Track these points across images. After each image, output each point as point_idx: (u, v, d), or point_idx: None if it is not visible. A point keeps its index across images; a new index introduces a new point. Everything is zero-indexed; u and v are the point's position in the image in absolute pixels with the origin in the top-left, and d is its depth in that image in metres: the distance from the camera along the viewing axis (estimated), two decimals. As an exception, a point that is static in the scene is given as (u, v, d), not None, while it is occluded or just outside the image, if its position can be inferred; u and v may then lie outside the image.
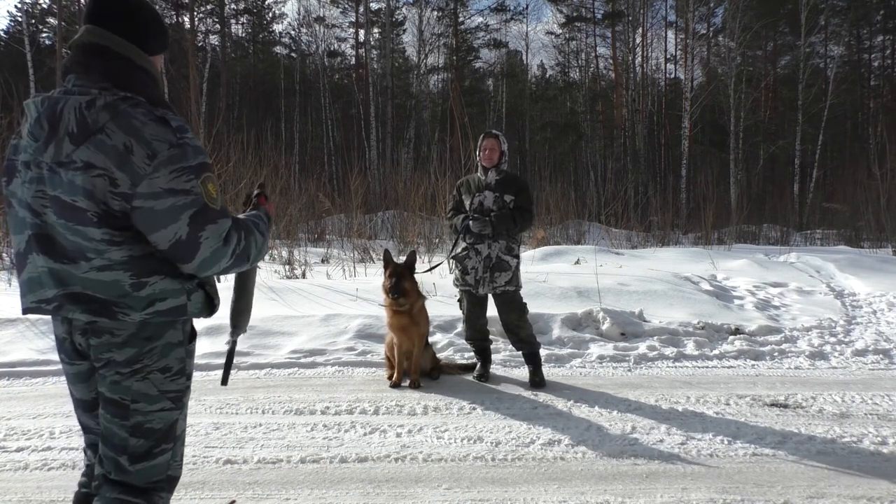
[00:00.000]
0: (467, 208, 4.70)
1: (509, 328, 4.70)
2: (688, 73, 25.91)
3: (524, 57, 33.74)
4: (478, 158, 4.72)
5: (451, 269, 4.84)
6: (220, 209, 1.68)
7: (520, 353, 4.83)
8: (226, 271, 1.76)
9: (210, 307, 1.81)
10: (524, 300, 4.81)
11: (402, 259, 4.68)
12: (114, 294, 1.62)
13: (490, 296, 4.72)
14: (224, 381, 2.21)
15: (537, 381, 4.59)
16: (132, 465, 1.73)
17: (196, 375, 4.60)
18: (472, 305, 4.74)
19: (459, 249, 4.71)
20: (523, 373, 4.90)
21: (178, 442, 1.83)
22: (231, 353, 2.20)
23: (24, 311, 1.73)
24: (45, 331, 5.33)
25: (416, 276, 4.61)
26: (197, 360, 4.84)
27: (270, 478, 3.03)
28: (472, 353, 5.02)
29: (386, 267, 4.56)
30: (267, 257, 11.19)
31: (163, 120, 1.61)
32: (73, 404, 1.87)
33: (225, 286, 6.99)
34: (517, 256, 4.70)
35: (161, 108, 1.65)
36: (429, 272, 5.40)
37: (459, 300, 4.87)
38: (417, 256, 4.78)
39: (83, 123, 1.56)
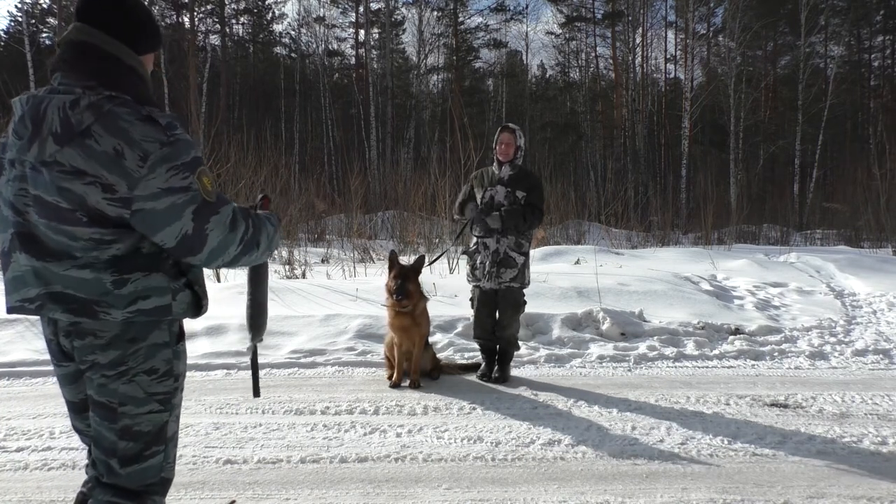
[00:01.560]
0: (478, 202, 4.72)
1: (499, 323, 4.71)
2: (688, 73, 25.94)
3: (524, 57, 33.82)
4: (493, 152, 4.73)
5: (454, 246, 4.88)
6: (217, 199, 1.66)
7: (517, 351, 4.85)
8: (235, 260, 1.73)
9: (197, 308, 1.77)
10: (525, 299, 4.82)
11: (411, 260, 4.70)
12: (94, 293, 1.60)
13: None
14: (256, 393, 2.18)
15: (500, 378, 4.61)
16: (123, 468, 1.72)
17: (196, 375, 4.60)
18: (482, 305, 4.76)
19: (472, 245, 4.75)
20: (524, 372, 4.91)
21: (169, 444, 1.80)
22: (255, 361, 2.17)
23: (9, 311, 1.71)
24: (45, 331, 5.33)
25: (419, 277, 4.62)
26: (197, 361, 4.84)
27: (270, 478, 3.02)
28: (472, 354, 5.03)
29: (391, 268, 4.55)
30: (267, 257, 11.18)
31: (150, 119, 1.58)
32: (66, 407, 1.86)
33: (228, 292, 6.97)
34: (525, 254, 4.70)
35: (148, 106, 1.62)
36: (429, 266, 5.41)
37: (471, 299, 4.88)
38: (425, 261, 4.79)
39: (67, 123, 1.54)
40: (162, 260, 1.67)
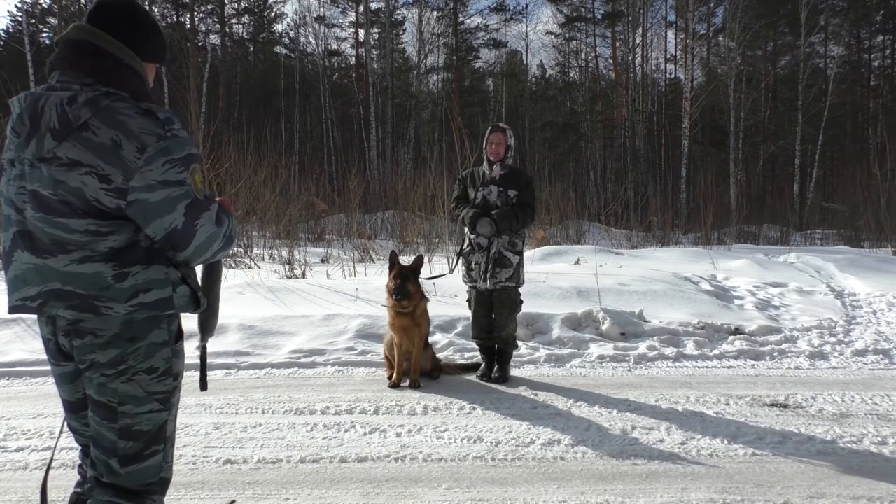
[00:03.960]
0: (471, 202, 4.73)
1: (495, 323, 4.72)
2: (688, 73, 25.89)
3: (524, 57, 33.77)
4: (484, 151, 4.74)
5: (455, 263, 4.89)
6: (207, 197, 1.69)
7: (515, 350, 4.87)
8: (214, 256, 1.77)
9: (195, 302, 1.78)
10: (521, 298, 4.83)
11: (410, 260, 4.70)
12: (96, 287, 1.60)
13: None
14: (203, 387, 2.13)
15: (500, 378, 4.61)
16: (123, 468, 1.72)
17: (196, 375, 4.59)
18: (479, 305, 4.77)
19: (464, 246, 4.76)
20: (524, 372, 4.91)
21: (168, 443, 1.81)
22: (203, 359, 2.12)
23: (10, 310, 1.71)
24: (45, 331, 5.33)
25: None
26: (197, 360, 4.83)
27: (270, 478, 3.03)
28: (472, 354, 5.03)
29: (391, 268, 4.56)
30: (267, 257, 11.19)
31: (149, 112, 1.60)
32: (63, 407, 1.86)
33: (229, 292, 6.97)
34: (520, 253, 4.71)
35: (146, 102, 1.65)
36: (432, 280, 5.43)
37: (468, 300, 4.89)
38: (424, 260, 4.80)
39: (64, 119, 1.56)
40: (159, 252, 1.68)
